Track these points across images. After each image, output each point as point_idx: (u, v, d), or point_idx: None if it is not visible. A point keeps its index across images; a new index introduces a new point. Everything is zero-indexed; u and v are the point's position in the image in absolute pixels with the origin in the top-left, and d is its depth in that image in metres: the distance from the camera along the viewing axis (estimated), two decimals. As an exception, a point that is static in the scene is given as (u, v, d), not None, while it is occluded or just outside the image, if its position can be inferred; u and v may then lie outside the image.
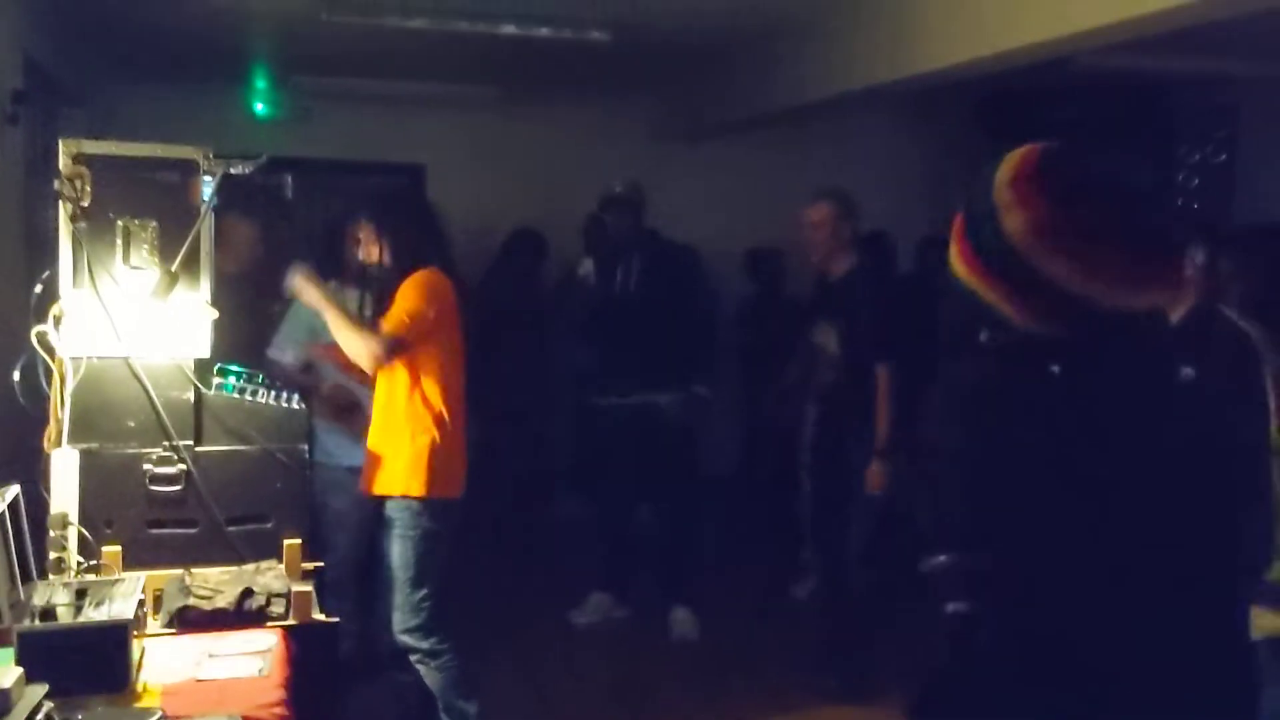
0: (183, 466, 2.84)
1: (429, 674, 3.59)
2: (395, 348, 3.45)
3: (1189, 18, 3.70)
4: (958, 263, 1.59)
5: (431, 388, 3.52)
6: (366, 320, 3.63)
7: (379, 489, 3.55)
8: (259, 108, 6.88)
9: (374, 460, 3.55)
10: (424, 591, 3.52)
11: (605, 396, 5.30)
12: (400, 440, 3.51)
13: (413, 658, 3.59)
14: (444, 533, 3.56)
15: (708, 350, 5.39)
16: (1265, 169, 6.54)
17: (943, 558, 1.53)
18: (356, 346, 3.45)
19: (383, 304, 3.58)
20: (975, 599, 1.51)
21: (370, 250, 3.61)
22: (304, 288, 3.50)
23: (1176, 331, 3.47)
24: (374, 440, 3.58)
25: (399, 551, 3.53)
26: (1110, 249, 1.48)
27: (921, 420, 1.62)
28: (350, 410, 4.28)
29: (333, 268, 4.21)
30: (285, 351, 4.20)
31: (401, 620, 3.55)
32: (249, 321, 4.52)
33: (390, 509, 3.55)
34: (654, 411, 5.19)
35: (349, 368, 3.99)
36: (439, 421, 3.52)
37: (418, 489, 3.49)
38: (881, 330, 4.40)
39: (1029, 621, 1.49)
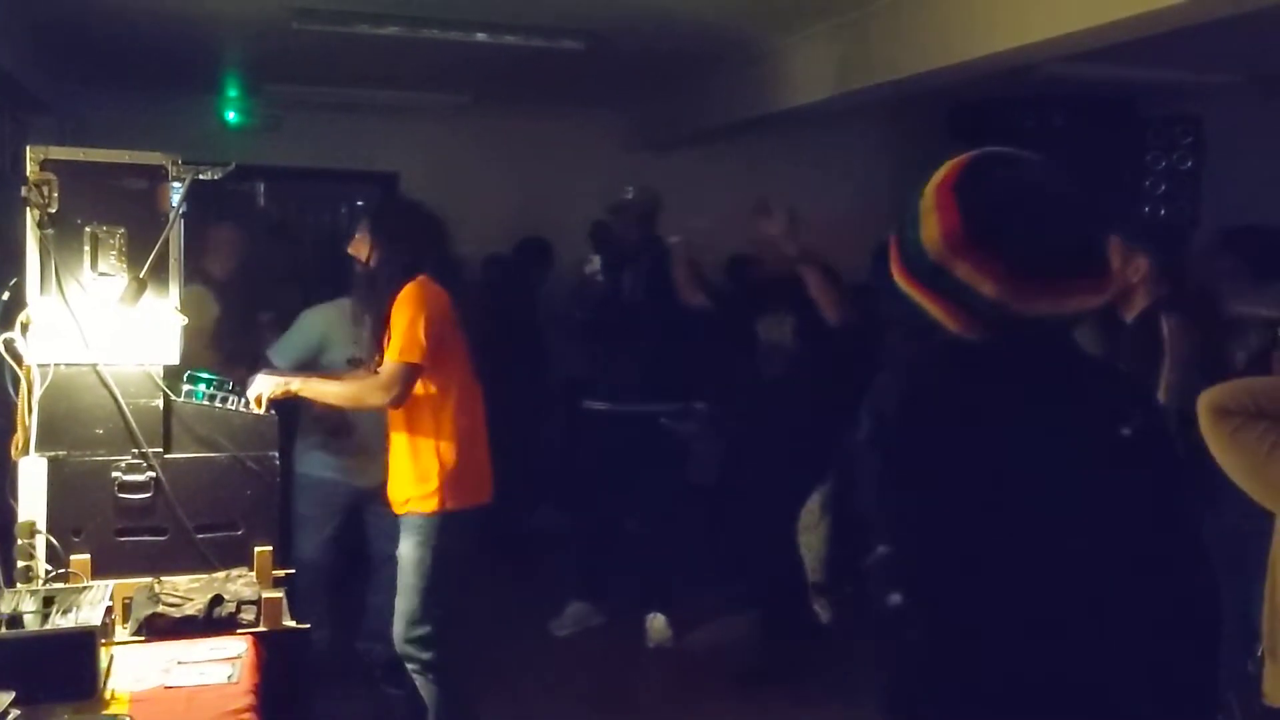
0: (152, 474, 2.83)
1: (425, 686, 3.52)
2: (408, 375, 3.36)
3: (1154, 25, 3.76)
4: (894, 270, 1.62)
5: (439, 400, 3.46)
6: (366, 324, 3.56)
7: (396, 505, 3.52)
8: (230, 116, 6.86)
9: (393, 476, 3.52)
10: (432, 602, 3.46)
11: (600, 402, 5.27)
12: (411, 455, 3.46)
13: (411, 668, 3.52)
14: (460, 545, 3.51)
15: (709, 365, 5.35)
16: (1231, 175, 6.63)
17: (880, 550, 1.54)
18: (365, 399, 3.46)
19: (377, 307, 3.47)
20: (910, 592, 1.52)
21: (361, 250, 3.54)
22: (275, 386, 3.24)
23: (1127, 333, 3.58)
24: (391, 456, 3.54)
25: (414, 561, 3.46)
26: (1024, 257, 1.49)
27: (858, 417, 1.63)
28: (338, 431, 4.29)
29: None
30: (281, 359, 4.18)
31: (406, 630, 3.49)
32: (240, 327, 4.57)
33: (406, 520, 3.49)
34: (649, 422, 5.17)
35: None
36: (452, 434, 3.47)
37: (430, 505, 3.44)
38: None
39: (962, 613, 1.51)
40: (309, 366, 4.21)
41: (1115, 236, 3.58)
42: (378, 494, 4.29)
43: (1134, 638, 1.50)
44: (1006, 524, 1.49)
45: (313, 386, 3.42)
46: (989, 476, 1.50)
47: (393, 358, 3.37)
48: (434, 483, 3.44)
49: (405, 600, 3.49)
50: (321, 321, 4.30)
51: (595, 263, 5.38)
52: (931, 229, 1.52)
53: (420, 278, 3.46)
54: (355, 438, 4.29)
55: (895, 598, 1.53)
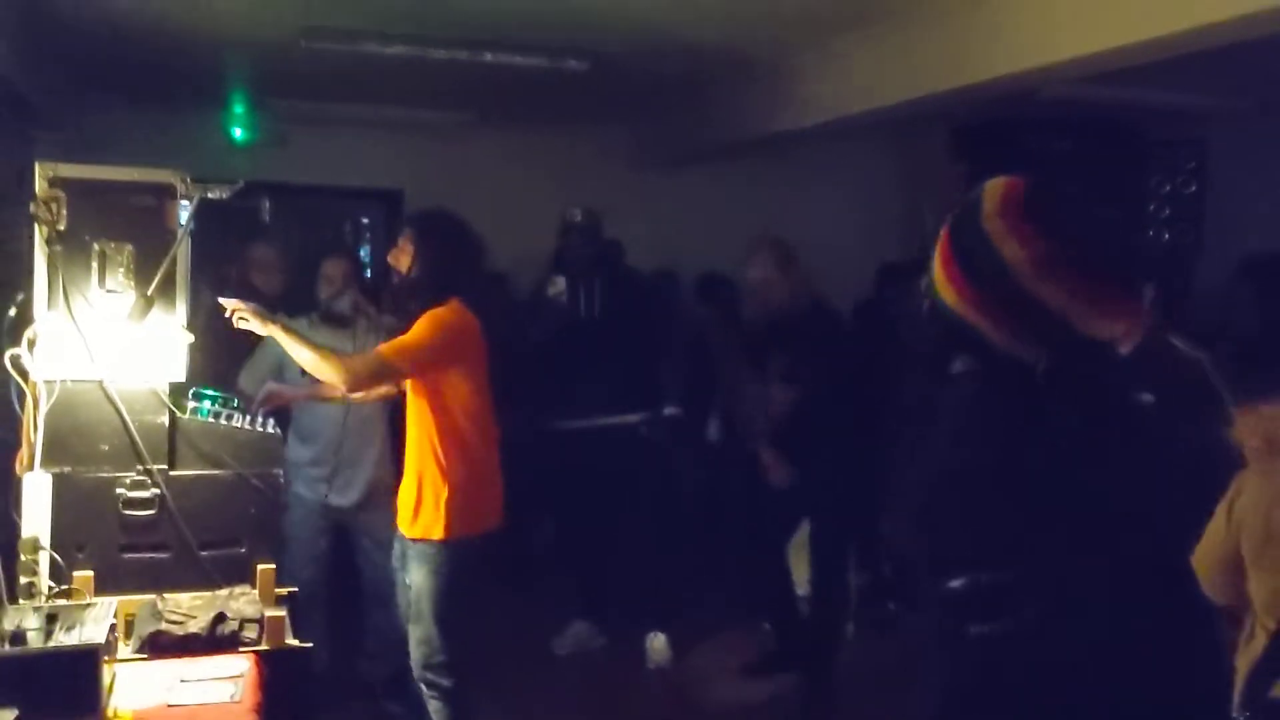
0: (156, 491, 2.83)
1: (441, 711, 3.50)
2: (382, 372, 3.35)
3: (1159, 51, 3.78)
4: (945, 289, 1.64)
5: (453, 427, 3.43)
6: (379, 333, 3.54)
7: (406, 529, 3.48)
8: (236, 132, 6.87)
9: (408, 506, 3.48)
10: (449, 629, 3.44)
11: (574, 420, 5.28)
12: (423, 481, 3.43)
13: (430, 694, 3.49)
14: (471, 570, 3.48)
15: (675, 371, 5.42)
16: (1234, 200, 6.64)
17: (961, 579, 1.56)
18: (325, 370, 3.25)
19: (406, 321, 3.45)
20: (1001, 619, 1.54)
21: (401, 259, 3.50)
22: (255, 322, 3.19)
23: (1130, 361, 3.55)
24: (407, 487, 3.50)
25: (428, 590, 3.43)
26: (1091, 277, 1.56)
27: (892, 446, 1.66)
28: (308, 438, 4.30)
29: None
30: (248, 384, 4.18)
31: (425, 656, 3.46)
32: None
33: (417, 547, 3.46)
34: (622, 433, 5.19)
35: (323, 397, 3.99)
36: (466, 461, 3.44)
37: (438, 533, 3.41)
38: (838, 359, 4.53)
39: (1051, 637, 1.54)
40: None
41: None
42: (361, 512, 4.31)
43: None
44: (1085, 550, 1.53)
45: (287, 335, 3.21)
46: (1064, 502, 1.54)
47: (384, 351, 3.34)
48: (444, 509, 3.40)
49: (422, 629, 3.46)
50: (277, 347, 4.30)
51: (559, 284, 5.43)
52: (1016, 252, 1.57)
53: (454, 301, 3.43)
54: (336, 456, 4.28)
55: (979, 628, 1.55)
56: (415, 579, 3.47)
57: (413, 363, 3.36)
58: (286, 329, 3.23)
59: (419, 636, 3.47)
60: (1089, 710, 1.53)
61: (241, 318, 3.13)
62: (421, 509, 3.43)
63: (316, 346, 3.29)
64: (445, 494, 3.41)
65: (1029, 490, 1.55)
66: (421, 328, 3.37)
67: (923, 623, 1.64)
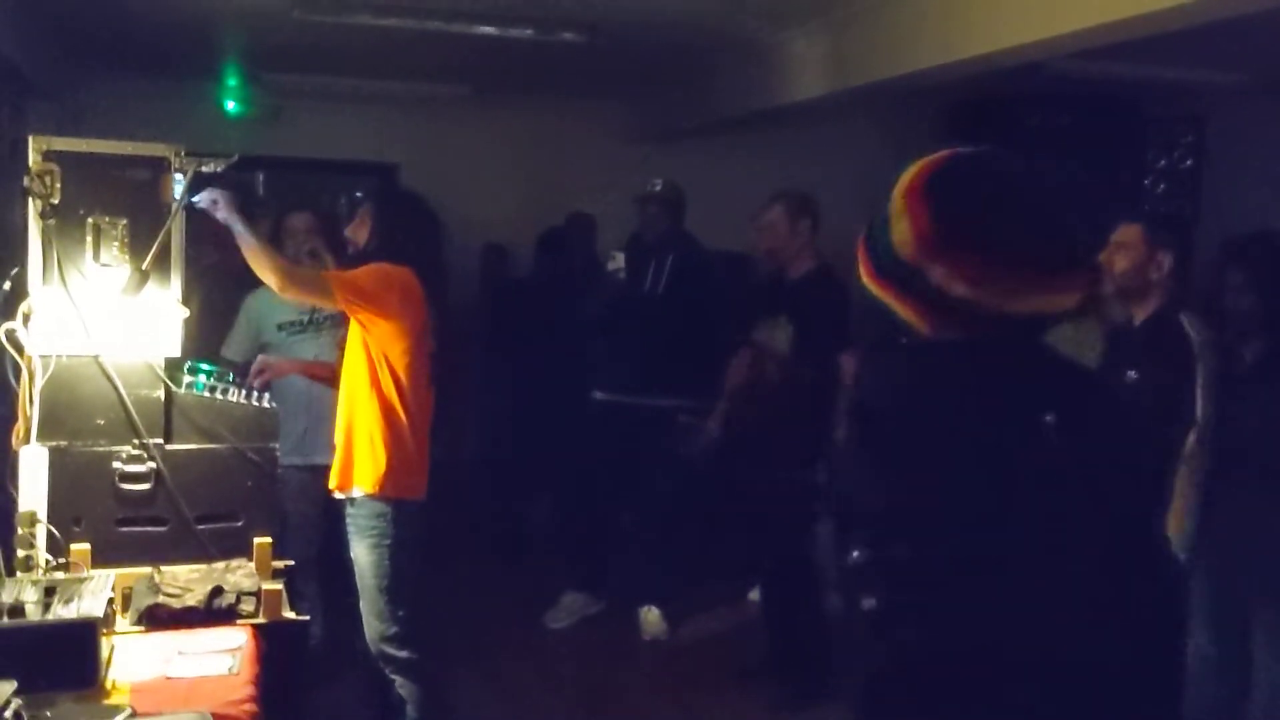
0: (152, 465, 2.83)
1: (405, 686, 3.48)
2: (316, 287, 3.32)
3: (1158, 25, 3.76)
4: (862, 272, 1.60)
5: (394, 389, 3.40)
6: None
7: (343, 489, 3.43)
8: (230, 106, 6.85)
9: (339, 460, 3.44)
10: (398, 599, 3.42)
11: (614, 395, 5.24)
12: (362, 441, 3.39)
13: (389, 669, 3.47)
14: (412, 538, 3.45)
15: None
16: (1231, 175, 6.64)
17: (856, 553, 1.54)
18: (263, 263, 3.14)
19: None
20: (889, 593, 1.51)
21: (360, 234, 3.50)
22: (217, 206, 3.07)
23: (1136, 334, 3.53)
24: (339, 440, 3.46)
25: (370, 560, 3.41)
26: (999, 257, 1.47)
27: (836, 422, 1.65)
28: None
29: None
30: (234, 353, 4.20)
31: (379, 630, 3.44)
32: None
33: (356, 515, 3.42)
34: (663, 416, 5.15)
35: (312, 375, 4.00)
36: (410, 422, 3.41)
37: (385, 490, 3.37)
38: (837, 331, 4.39)
39: (943, 615, 1.49)
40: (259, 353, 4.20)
41: (1140, 227, 3.50)
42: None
43: (1098, 645, 1.48)
44: (979, 527, 1.47)
45: (243, 225, 3.12)
46: (959, 477, 1.49)
47: (325, 273, 3.38)
48: (381, 470, 3.35)
49: (371, 603, 3.43)
50: (255, 306, 4.31)
51: (619, 259, 5.34)
52: (903, 232, 1.51)
53: (405, 268, 3.42)
54: (308, 414, 4.22)
55: (870, 602, 1.52)
56: (356, 554, 3.43)
57: (348, 292, 3.31)
58: (244, 222, 3.15)
59: (368, 611, 3.44)
60: (1000, 691, 1.48)
61: (213, 200, 3.04)
62: (369, 470, 3.36)
63: (266, 243, 3.28)
64: (387, 456, 3.36)
65: (934, 465, 1.50)
66: (366, 269, 3.37)
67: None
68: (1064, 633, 1.46)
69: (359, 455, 3.39)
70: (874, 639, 1.55)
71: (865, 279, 1.59)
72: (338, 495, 3.48)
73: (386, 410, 3.39)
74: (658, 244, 5.21)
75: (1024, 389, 1.53)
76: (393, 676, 3.49)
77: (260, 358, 3.83)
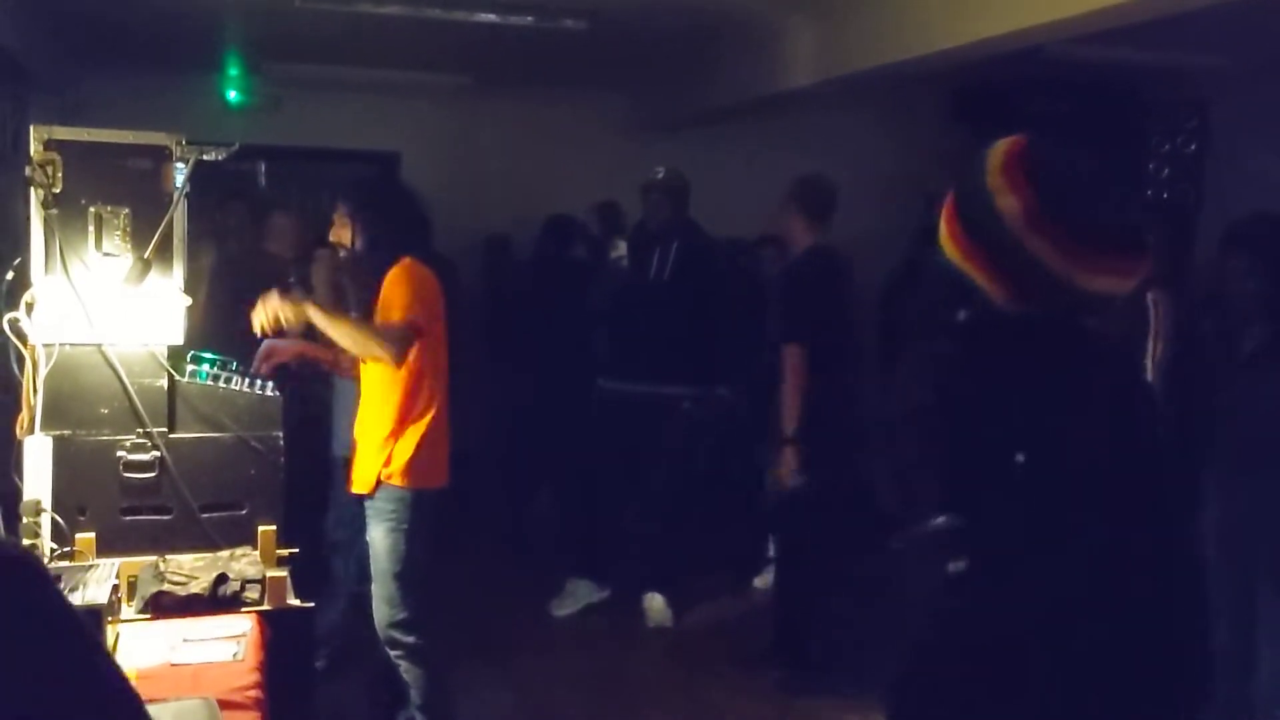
0: (156, 453, 2.84)
1: (410, 671, 3.51)
2: (411, 334, 3.36)
3: (1160, 8, 3.75)
4: (948, 243, 1.70)
5: (422, 378, 3.44)
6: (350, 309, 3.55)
7: (363, 484, 3.46)
8: (231, 95, 6.84)
9: (366, 453, 3.47)
10: (411, 585, 3.45)
11: (619, 383, 5.24)
12: (389, 432, 3.42)
13: (395, 654, 3.50)
14: (429, 525, 3.49)
15: (737, 351, 5.30)
16: (1234, 160, 6.62)
17: (940, 519, 1.61)
18: (374, 347, 3.31)
19: (367, 292, 3.47)
20: (974, 556, 1.59)
21: (342, 234, 3.50)
22: (298, 310, 3.25)
23: (1115, 307, 3.58)
24: (366, 433, 3.48)
25: (387, 544, 3.44)
26: (1081, 234, 1.59)
27: (887, 395, 1.72)
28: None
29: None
30: None
31: (388, 615, 3.47)
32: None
33: (380, 501, 3.45)
34: (668, 405, 5.14)
35: (316, 357, 4.01)
36: (430, 412, 3.46)
37: (412, 481, 3.42)
38: (788, 312, 4.44)
39: (1026, 575, 1.58)
40: None
41: None
42: None
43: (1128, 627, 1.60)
44: (1052, 496, 1.58)
45: (327, 317, 3.29)
46: (1039, 448, 1.59)
47: (396, 316, 3.34)
48: (404, 461, 3.40)
49: (383, 587, 3.46)
50: None
51: (621, 248, 5.35)
52: (1011, 204, 1.61)
53: (406, 260, 3.44)
54: (336, 406, 4.29)
55: (958, 565, 1.59)
56: (373, 536, 3.47)
57: (423, 316, 3.39)
58: (321, 309, 3.30)
59: (380, 595, 3.47)
60: (1068, 649, 1.57)
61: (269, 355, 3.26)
62: (391, 461, 3.41)
63: (358, 328, 3.35)
64: (409, 446, 3.41)
65: (1008, 435, 1.59)
66: (400, 286, 3.37)
67: (905, 562, 1.68)
68: (1136, 597, 1.59)
69: (394, 458, 3.42)
70: (961, 600, 1.62)
71: (952, 247, 1.69)
72: (358, 492, 3.50)
73: (414, 401, 3.44)
74: (662, 232, 5.21)
75: (1086, 364, 1.67)
76: (398, 661, 3.51)
77: (267, 343, 3.79)
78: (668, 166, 5.26)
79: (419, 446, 3.43)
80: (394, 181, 3.66)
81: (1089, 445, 1.61)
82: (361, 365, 3.52)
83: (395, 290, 3.38)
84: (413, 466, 3.43)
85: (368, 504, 3.49)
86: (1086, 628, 1.57)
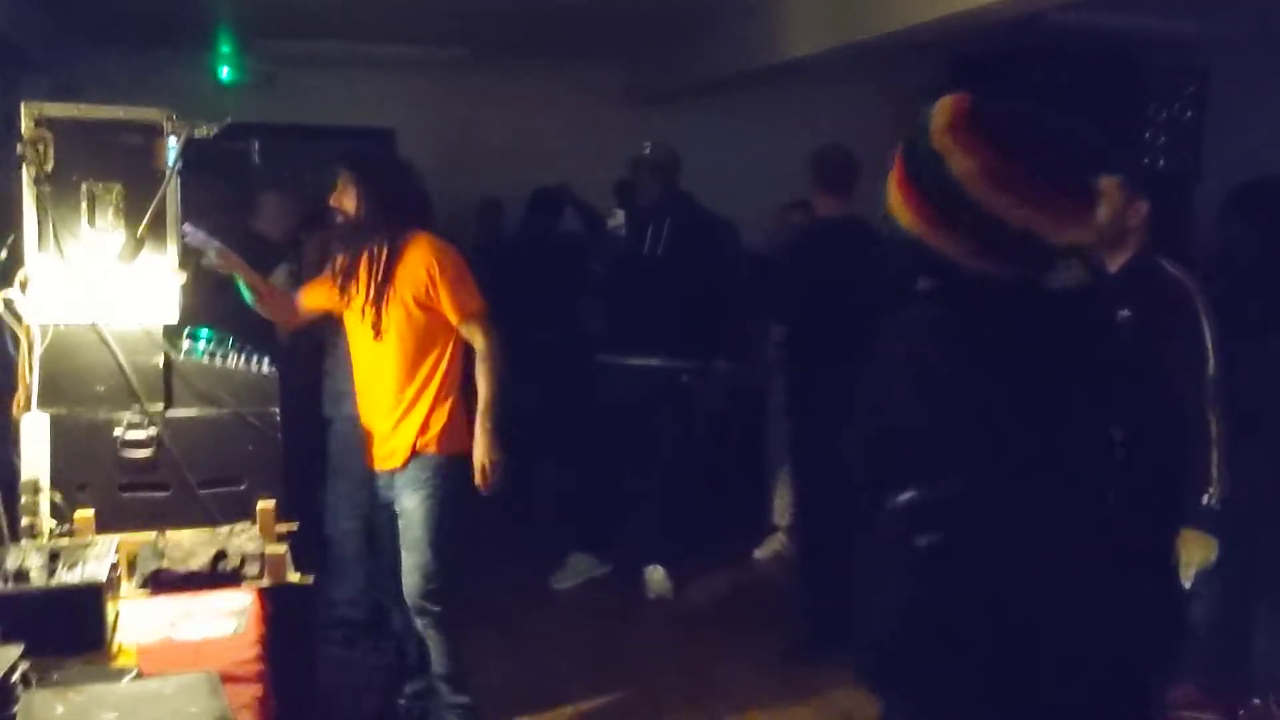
0: (154, 431, 2.84)
1: (436, 640, 3.54)
2: (493, 326, 3.51)
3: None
4: (901, 209, 1.65)
5: (453, 350, 3.50)
6: (349, 274, 3.48)
7: (399, 454, 3.46)
8: (224, 73, 6.81)
9: (398, 426, 3.46)
10: (444, 553, 3.49)
11: (618, 356, 5.25)
12: (431, 402, 3.45)
13: (422, 622, 3.52)
14: (462, 491, 3.53)
15: (734, 324, 5.31)
16: (1232, 127, 6.60)
17: (909, 493, 1.57)
18: (498, 369, 3.50)
19: (381, 261, 3.42)
20: (947, 529, 1.55)
21: (344, 200, 3.46)
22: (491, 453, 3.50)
23: (1116, 278, 3.53)
24: (392, 407, 3.46)
25: (425, 512, 3.45)
26: (1045, 184, 1.56)
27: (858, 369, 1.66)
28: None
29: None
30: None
31: (421, 585, 3.48)
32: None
33: (415, 471, 3.46)
34: (667, 378, 5.15)
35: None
36: (455, 383, 3.51)
37: (448, 446, 3.47)
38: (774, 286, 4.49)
39: (1001, 548, 1.55)
40: None
41: (1119, 177, 3.52)
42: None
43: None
44: (1034, 467, 1.54)
45: (484, 421, 3.48)
46: (1017, 417, 1.55)
47: (474, 309, 3.44)
48: (440, 428, 3.45)
49: (418, 555, 3.47)
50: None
51: (619, 217, 5.34)
52: (965, 165, 1.56)
53: (424, 235, 3.45)
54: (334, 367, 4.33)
55: (926, 539, 1.56)
56: (408, 505, 3.48)
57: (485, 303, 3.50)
58: (484, 422, 3.50)
59: (415, 564, 3.48)
60: (1042, 623, 1.55)
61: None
62: (428, 429, 3.44)
63: (491, 381, 3.49)
64: (445, 413, 3.46)
65: (984, 405, 1.55)
66: (452, 269, 3.43)
67: (874, 538, 1.65)
68: (1108, 569, 1.56)
69: (418, 417, 3.44)
70: (929, 575, 1.59)
71: (909, 215, 1.64)
72: (389, 467, 3.50)
73: (456, 369, 3.50)
74: (653, 207, 5.20)
75: (1059, 328, 1.61)
76: (425, 630, 3.54)
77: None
78: (655, 141, 5.25)
79: (452, 412, 3.48)
80: (394, 156, 3.64)
81: (1064, 413, 1.56)
82: (374, 340, 3.46)
83: (450, 275, 3.41)
84: (449, 432, 3.47)
85: (397, 476, 3.49)
86: (1062, 600, 1.54)
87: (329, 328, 4.30)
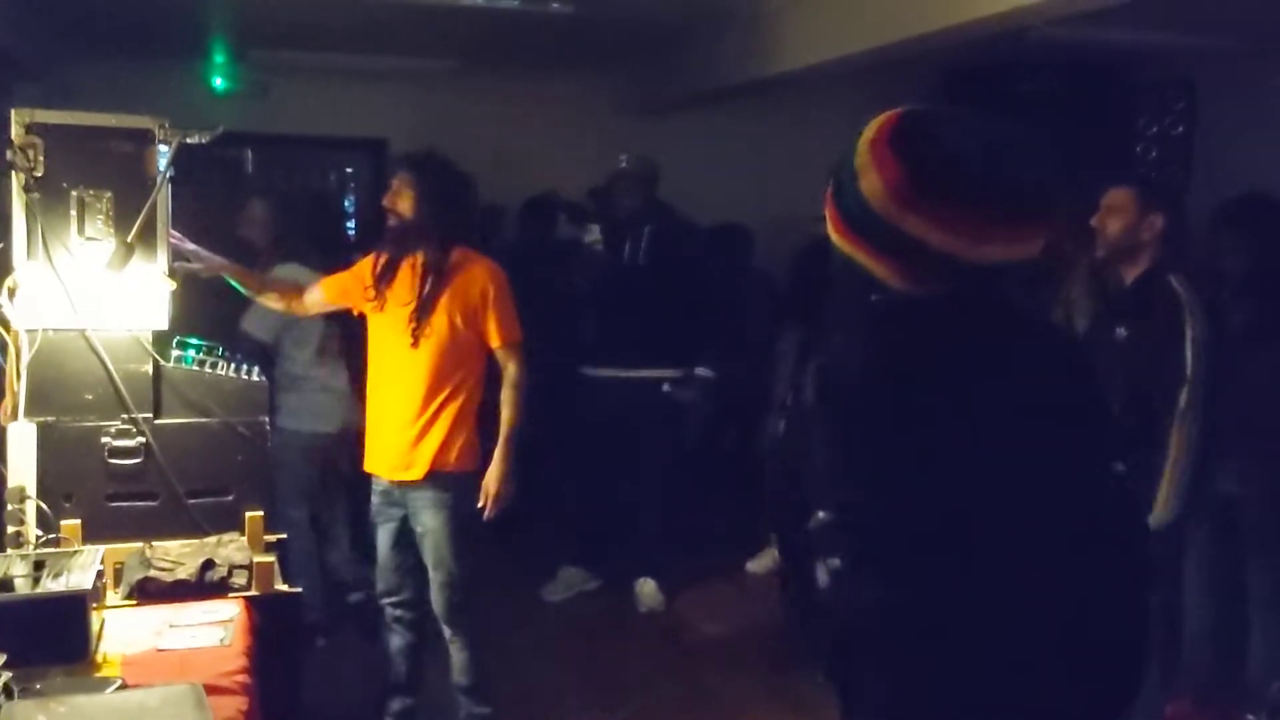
0: (142, 439, 2.83)
1: (461, 653, 3.56)
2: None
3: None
4: (834, 233, 1.59)
5: (481, 372, 3.52)
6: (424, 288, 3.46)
7: (414, 474, 3.44)
8: (217, 82, 6.79)
9: (422, 438, 3.44)
10: (468, 568, 3.50)
11: (600, 369, 5.25)
12: (455, 418, 3.44)
13: (453, 633, 3.54)
14: (474, 507, 3.53)
15: (715, 332, 5.26)
16: (1222, 141, 6.61)
17: (821, 515, 1.54)
18: (521, 397, 3.54)
19: (440, 273, 3.42)
20: (850, 554, 1.51)
21: (402, 204, 3.42)
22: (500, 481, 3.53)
23: (1127, 293, 3.54)
24: (414, 418, 3.42)
25: (452, 530, 3.45)
26: (961, 204, 1.47)
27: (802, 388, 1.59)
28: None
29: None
30: (259, 330, 4.28)
31: (451, 600, 3.50)
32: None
33: (436, 490, 3.44)
34: (650, 389, 5.15)
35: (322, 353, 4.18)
36: (477, 402, 3.53)
37: (471, 462, 3.49)
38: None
39: (907, 573, 1.49)
40: (285, 329, 4.28)
41: (1133, 189, 3.53)
42: (343, 442, 4.40)
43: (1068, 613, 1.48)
44: (955, 490, 1.46)
45: (502, 455, 3.51)
46: (936, 440, 1.47)
47: (516, 337, 3.50)
48: (458, 446, 3.45)
49: (446, 574, 3.48)
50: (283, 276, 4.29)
51: (594, 231, 5.34)
52: (874, 183, 1.50)
53: (472, 252, 3.49)
54: (320, 384, 4.43)
55: (834, 563, 1.52)
56: (432, 525, 3.45)
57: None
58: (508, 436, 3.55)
59: (443, 580, 3.48)
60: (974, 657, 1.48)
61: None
62: (450, 446, 3.43)
63: (516, 407, 3.52)
64: (466, 431, 3.47)
65: (908, 424, 1.48)
66: (501, 295, 3.46)
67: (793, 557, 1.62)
68: (1031, 585, 1.46)
69: (441, 431, 3.43)
70: (839, 599, 1.55)
71: (836, 236, 1.58)
72: (405, 480, 3.47)
73: (475, 389, 3.51)
74: (632, 219, 5.21)
75: (994, 341, 1.54)
76: (452, 641, 3.57)
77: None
78: (632, 153, 5.26)
79: (471, 432, 3.50)
80: (451, 161, 3.60)
81: (1009, 436, 1.46)
82: (409, 347, 3.41)
83: (497, 300, 3.45)
84: (466, 450, 3.48)
85: (412, 490, 3.47)
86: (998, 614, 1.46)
87: (288, 338, 4.34)
